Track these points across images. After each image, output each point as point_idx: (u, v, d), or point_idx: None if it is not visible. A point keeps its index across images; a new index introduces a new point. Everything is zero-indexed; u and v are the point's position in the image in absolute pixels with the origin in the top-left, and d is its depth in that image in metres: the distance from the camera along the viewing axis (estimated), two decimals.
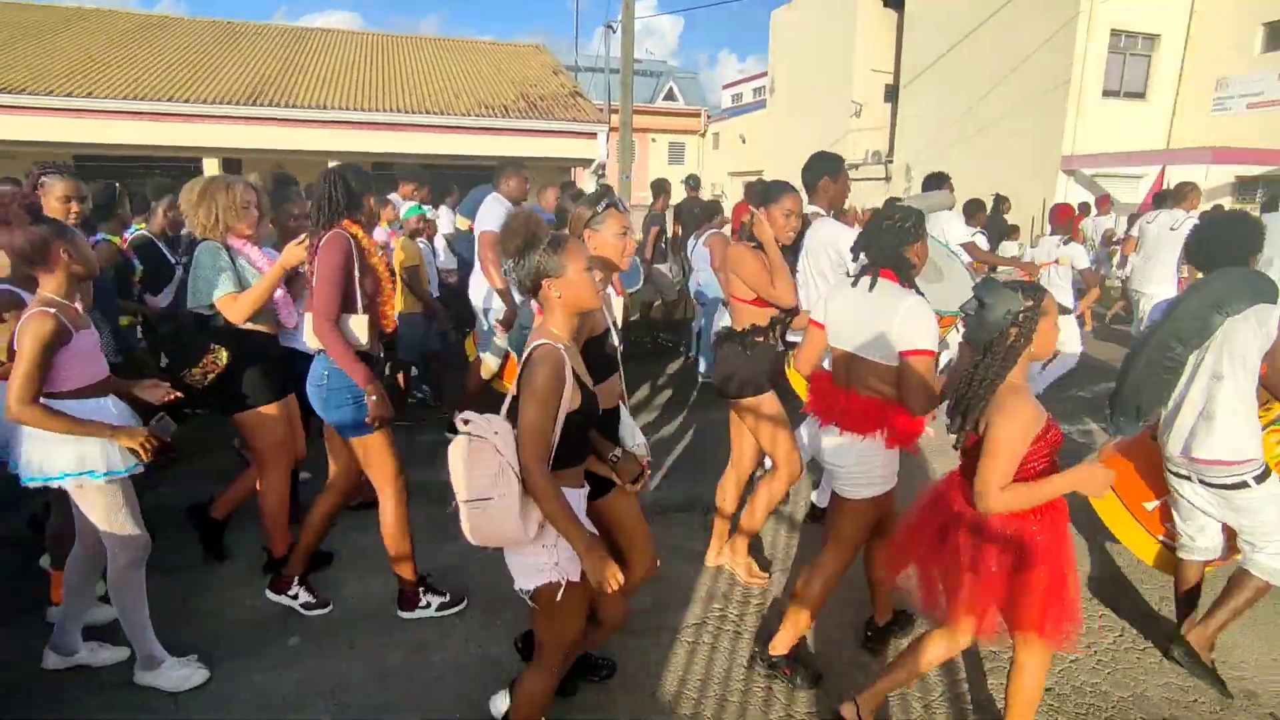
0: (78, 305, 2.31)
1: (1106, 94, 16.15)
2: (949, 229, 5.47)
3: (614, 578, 1.78)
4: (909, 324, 2.24)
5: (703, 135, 32.76)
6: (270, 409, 2.97)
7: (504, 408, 1.89)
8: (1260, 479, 2.45)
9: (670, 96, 39.87)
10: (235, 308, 2.82)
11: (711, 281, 5.52)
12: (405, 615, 2.90)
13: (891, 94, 21.64)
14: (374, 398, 2.59)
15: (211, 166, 11.78)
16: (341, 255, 2.55)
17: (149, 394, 2.45)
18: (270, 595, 2.93)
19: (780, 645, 2.55)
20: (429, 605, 2.92)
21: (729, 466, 3.30)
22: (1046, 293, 1.93)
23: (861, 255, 2.46)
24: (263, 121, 11.42)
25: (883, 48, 21.92)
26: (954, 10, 18.22)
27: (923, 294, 2.35)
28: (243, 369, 2.89)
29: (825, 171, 3.54)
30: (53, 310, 2.15)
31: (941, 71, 18.80)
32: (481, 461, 1.75)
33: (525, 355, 1.82)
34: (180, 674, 2.49)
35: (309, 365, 2.72)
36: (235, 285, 2.84)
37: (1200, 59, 16.28)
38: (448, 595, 2.96)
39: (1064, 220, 6.43)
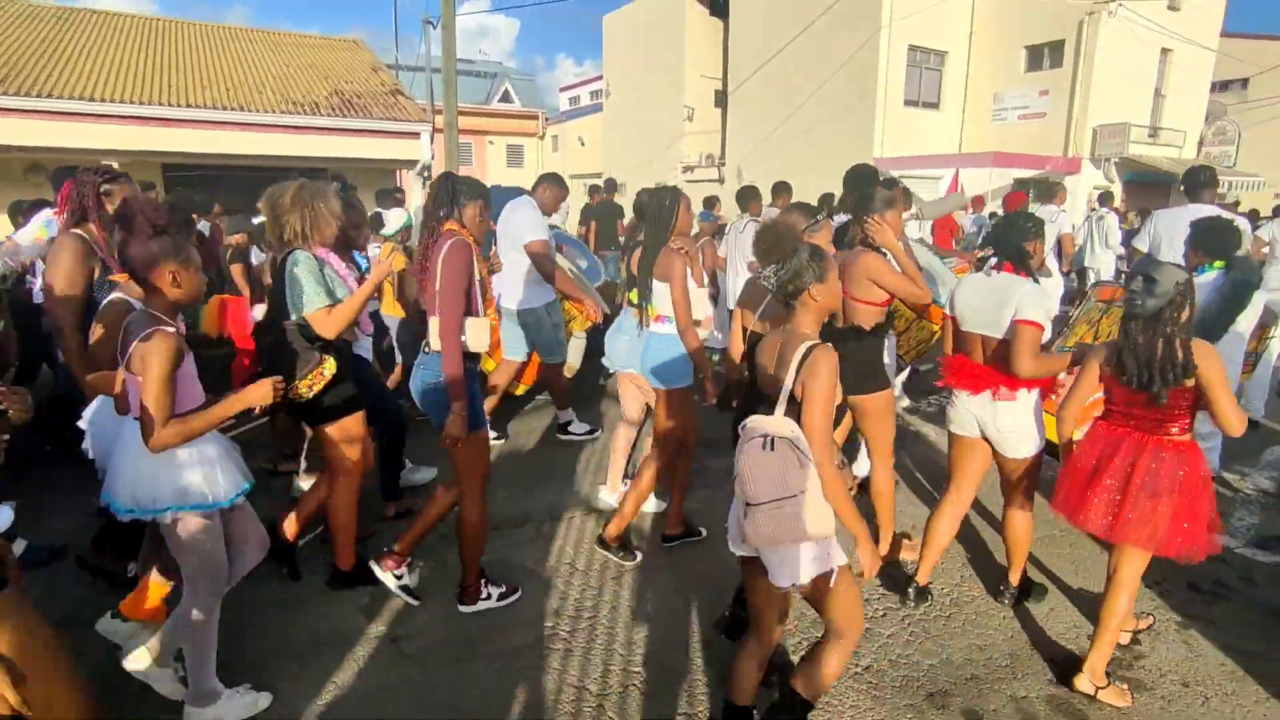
0: (181, 325, 2.21)
1: (907, 103, 17.80)
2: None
3: (878, 567, 2.02)
4: (1026, 301, 2.64)
5: (541, 138, 32.29)
6: (355, 419, 2.88)
7: (779, 407, 1.95)
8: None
9: (506, 98, 39.02)
10: (329, 321, 2.71)
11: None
12: (466, 609, 2.91)
13: (721, 99, 22.50)
14: (457, 417, 2.57)
15: None
16: (465, 260, 2.60)
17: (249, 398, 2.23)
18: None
19: (924, 576, 3.03)
20: (489, 596, 2.96)
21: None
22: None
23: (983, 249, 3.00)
24: (9, 113, 9.63)
25: (711, 55, 22.75)
26: (773, 22, 19.25)
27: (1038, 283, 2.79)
28: (336, 381, 2.80)
29: (870, 182, 3.96)
30: (173, 329, 2.06)
31: (765, 80, 19.80)
32: (785, 459, 1.87)
33: (801, 356, 1.94)
34: (244, 700, 2.31)
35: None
36: (329, 297, 2.73)
37: (981, 74, 18.38)
38: (504, 585, 3.02)
39: (1015, 210, 7.10)
